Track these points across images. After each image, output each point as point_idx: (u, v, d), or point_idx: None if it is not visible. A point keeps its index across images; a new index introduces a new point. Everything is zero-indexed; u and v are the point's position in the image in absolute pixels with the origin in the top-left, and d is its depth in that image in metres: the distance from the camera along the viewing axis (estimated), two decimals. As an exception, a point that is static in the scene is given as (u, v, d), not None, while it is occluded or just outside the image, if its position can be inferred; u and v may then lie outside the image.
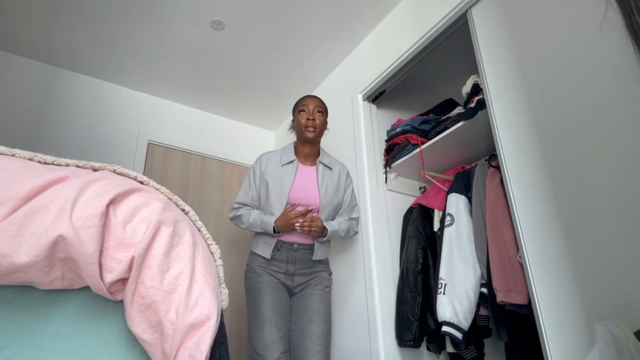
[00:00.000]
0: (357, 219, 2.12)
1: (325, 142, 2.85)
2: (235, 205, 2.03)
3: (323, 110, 2.07)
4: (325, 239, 1.94)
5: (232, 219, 2.04)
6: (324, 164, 2.07)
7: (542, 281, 1.35)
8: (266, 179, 1.98)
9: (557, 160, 1.40)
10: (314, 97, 2.09)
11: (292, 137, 2.18)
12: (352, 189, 2.14)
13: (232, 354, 2.85)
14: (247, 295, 1.90)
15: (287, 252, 1.90)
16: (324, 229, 1.90)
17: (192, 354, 0.72)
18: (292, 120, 2.14)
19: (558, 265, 1.32)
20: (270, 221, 1.87)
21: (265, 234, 1.93)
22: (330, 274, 2.02)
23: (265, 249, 1.91)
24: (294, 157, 2.05)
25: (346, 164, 2.51)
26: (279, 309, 1.81)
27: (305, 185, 1.98)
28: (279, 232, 1.88)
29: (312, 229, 1.83)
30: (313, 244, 1.94)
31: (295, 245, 1.90)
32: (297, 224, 1.82)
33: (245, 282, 1.93)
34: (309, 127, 2.00)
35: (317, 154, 2.10)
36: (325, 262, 2.01)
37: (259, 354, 1.72)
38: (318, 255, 1.95)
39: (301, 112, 2.03)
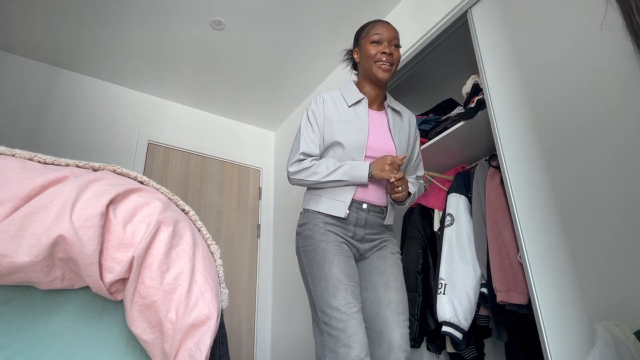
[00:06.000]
0: (422, 177, 1.76)
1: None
2: (301, 157, 1.54)
3: (399, 44, 1.62)
4: (407, 204, 1.58)
5: (294, 173, 1.55)
6: (393, 109, 1.65)
7: (542, 281, 1.35)
8: (333, 123, 1.56)
9: (557, 160, 1.40)
10: (389, 24, 1.61)
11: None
12: (419, 142, 1.76)
13: (232, 354, 2.85)
14: (306, 258, 1.48)
15: (356, 213, 1.51)
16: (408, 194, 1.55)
17: (192, 354, 0.72)
18: (353, 51, 1.68)
19: (558, 265, 1.32)
20: (364, 165, 1.46)
21: (331, 189, 1.53)
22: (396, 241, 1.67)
23: (334, 206, 1.50)
24: (361, 95, 1.61)
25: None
26: (351, 273, 1.41)
27: (379, 133, 1.58)
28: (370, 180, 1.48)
29: (400, 189, 1.46)
30: (385, 207, 1.56)
31: (365, 206, 1.51)
32: (393, 177, 1.42)
33: (302, 242, 1.51)
34: (384, 63, 1.54)
35: (385, 97, 1.67)
36: (392, 230, 1.65)
37: (336, 327, 1.29)
38: (389, 219, 1.58)
39: (374, 43, 1.57)
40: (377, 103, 1.64)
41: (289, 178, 1.59)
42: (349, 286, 1.37)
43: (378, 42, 1.56)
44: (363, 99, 1.60)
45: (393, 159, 1.44)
